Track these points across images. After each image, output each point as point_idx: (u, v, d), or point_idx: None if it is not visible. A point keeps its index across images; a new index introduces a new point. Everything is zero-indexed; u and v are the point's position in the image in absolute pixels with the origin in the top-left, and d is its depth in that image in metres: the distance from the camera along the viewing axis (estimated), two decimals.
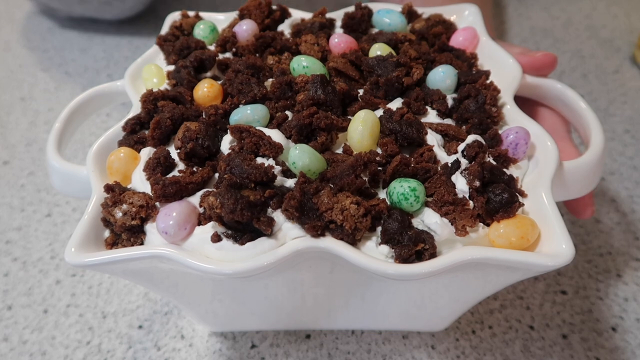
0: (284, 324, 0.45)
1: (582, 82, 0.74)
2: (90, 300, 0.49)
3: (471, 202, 0.31)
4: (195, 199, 0.32)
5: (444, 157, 0.34)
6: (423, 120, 0.37)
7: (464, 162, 0.33)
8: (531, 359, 0.44)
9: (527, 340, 0.45)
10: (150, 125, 0.36)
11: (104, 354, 0.45)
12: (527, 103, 0.44)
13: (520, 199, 0.32)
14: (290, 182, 0.32)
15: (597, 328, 0.46)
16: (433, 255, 0.30)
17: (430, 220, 0.31)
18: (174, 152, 0.35)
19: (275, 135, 0.34)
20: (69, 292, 0.49)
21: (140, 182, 0.34)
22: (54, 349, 0.45)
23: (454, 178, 0.33)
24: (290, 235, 0.30)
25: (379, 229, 0.30)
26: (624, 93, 0.72)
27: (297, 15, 0.49)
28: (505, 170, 0.33)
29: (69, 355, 0.45)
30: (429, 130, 0.36)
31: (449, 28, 0.47)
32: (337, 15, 0.48)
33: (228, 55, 0.45)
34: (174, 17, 0.50)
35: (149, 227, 0.32)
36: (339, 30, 0.47)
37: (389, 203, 0.31)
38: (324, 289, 0.37)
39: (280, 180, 0.32)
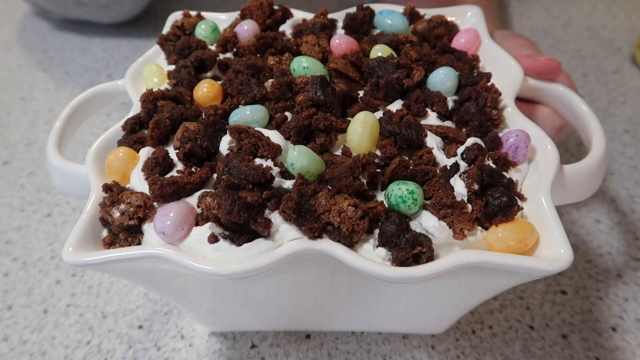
0: (284, 324, 0.45)
1: (582, 82, 0.74)
2: (90, 300, 0.49)
3: (469, 206, 0.31)
4: (193, 200, 0.32)
5: (443, 160, 0.34)
6: (423, 122, 0.37)
7: (463, 165, 0.33)
8: (531, 359, 0.44)
9: (527, 340, 0.45)
10: (149, 125, 0.36)
11: (104, 354, 0.45)
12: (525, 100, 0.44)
13: (520, 202, 0.32)
14: (288, 184, 0.32)
15: (597, 328, 0.46)
16: (430, 258, 0.30)
17: (428, 223, 0.30)
18: (172, 152, 0.35)
19: (274, 136, 0.34)
20: (69, 292, 0.49)
21: (138, 182, 0.34)
22: (54, 349, 0.45)
23: (452, 181, 0.32)
24: (287, 236, 0.30)
25: (377, 231, 0.30)
26: (624, 93, 0.72)
27: (299, 15, 0.49)
28: (504, 173, 0.33)
29: (69, 355, 0.45)
30: (429, 133, 0.36)
31: (451, 29, 0.47)
32: (339, 16, 0.48)
33: (229, 55, 0.45)
34: (175, 16, 0.50)
35: (147, 227, 0.32)
36: (340, 31, 0.47)
37: (386, 205, 0.31)
38: (324, 290, 0.37)
39: (278, 181, 0.32)
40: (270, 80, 0.40)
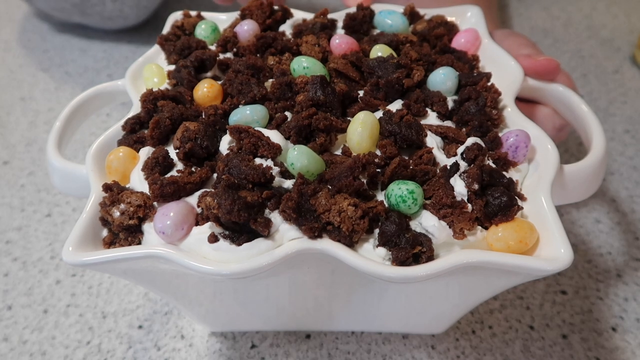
0: (284, 324, 0.45)
1: (582, 82, 0.74)
2: (90, 300, 0.49)
3: (470, 205, 0.31)
4: (193, 199, 0.32)
5: (443, 160, 0.34)
6: (423, 122, 0.37)
7: (463, 165, 0.33)
8: (531, 359, 0.44)
9: (527, 340, 0.45)
10: (149, 125, 0.36)
11: (104, 354, 0.45)
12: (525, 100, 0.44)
13: (520, 202, 0.32)
14: (288, 183, 0.32)
15: (597, 328, 0.46)
16: (430, 258, 0.30)
17: (428, 223, 0.30)
18: (172, 152, 0.35)
19: (274, 136, 0.34)
20: (69, 292, 0.49)
21: (138, 182, 0.34)
22: (54, 349, 0.45)
23: (452, 181, 0.32)
24: (287, 236, 0.30)
25: (377, 231, 0.30)
26: (624, 93, 0.72)
27: (299, 15, 0.49)
28: (504, 173, 0.33)
29: (69, 355, 0.45)
30: (429, 133, 0.36)
31: (451, 29, 0.47)
32: (339, 16, 0.48)
33: (229, 55, 0.45)
34: (175, 16, 0.50)
35: (147, 227, 0.32)
36: (340, 31, 0.47)
37: (386, 205, 0.31)
38: (324, 290, 0.37)
39: (278, 181, 0.32)
40: (270, 80, 0.40)
